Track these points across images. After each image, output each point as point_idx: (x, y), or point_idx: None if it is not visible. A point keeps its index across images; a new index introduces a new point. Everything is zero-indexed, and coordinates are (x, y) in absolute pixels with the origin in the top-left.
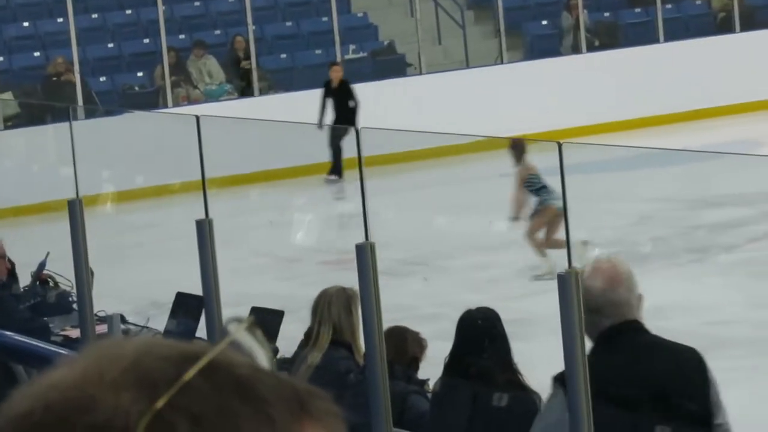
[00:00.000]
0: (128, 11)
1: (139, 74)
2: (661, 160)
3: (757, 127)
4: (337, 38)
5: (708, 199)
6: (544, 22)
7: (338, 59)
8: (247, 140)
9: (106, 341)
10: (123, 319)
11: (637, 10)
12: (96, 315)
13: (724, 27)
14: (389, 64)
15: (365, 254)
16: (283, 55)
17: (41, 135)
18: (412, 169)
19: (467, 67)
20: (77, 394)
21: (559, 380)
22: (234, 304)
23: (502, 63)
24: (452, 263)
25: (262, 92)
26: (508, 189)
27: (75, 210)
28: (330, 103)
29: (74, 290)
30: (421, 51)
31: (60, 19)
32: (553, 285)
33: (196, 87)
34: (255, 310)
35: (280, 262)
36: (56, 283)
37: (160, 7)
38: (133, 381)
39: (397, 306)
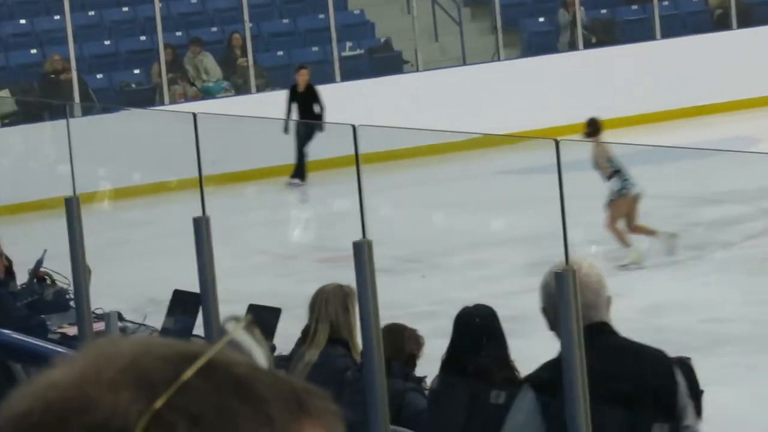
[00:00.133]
0: (125, 8)
1: (136, 71)
2: (658, 157)
3: (755, 124)
4: (333, 35)
5: (706, 196)
6: (541, 19)
7: (335, 56)
8: (243, 137)
9: (104, 340)
10: (120, 317)
11: (634, 6)
12: (93, 312)
13: (721, 24)
14: (386, 62)
15: (362, 252)
16: (280, 53)
17: (38, 132)
18: (409, 166)
19: (464, 64)
20: (76, 394)
21: (531, 381)
22: (231, 302)
23: (498, 60)
24: (449, 260)
25: (258, 89)
26: (505, 186)
27: (72, 207)
28: (295, 107)
29: (71, 288)
30: (417, 48)
31: (57, 17)
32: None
33: (192, 84)
34: (252, 308)
35: (277, 259)
36: (53, 281)
37: (157, 4)
38: (132, 380)
39: (395, 303)
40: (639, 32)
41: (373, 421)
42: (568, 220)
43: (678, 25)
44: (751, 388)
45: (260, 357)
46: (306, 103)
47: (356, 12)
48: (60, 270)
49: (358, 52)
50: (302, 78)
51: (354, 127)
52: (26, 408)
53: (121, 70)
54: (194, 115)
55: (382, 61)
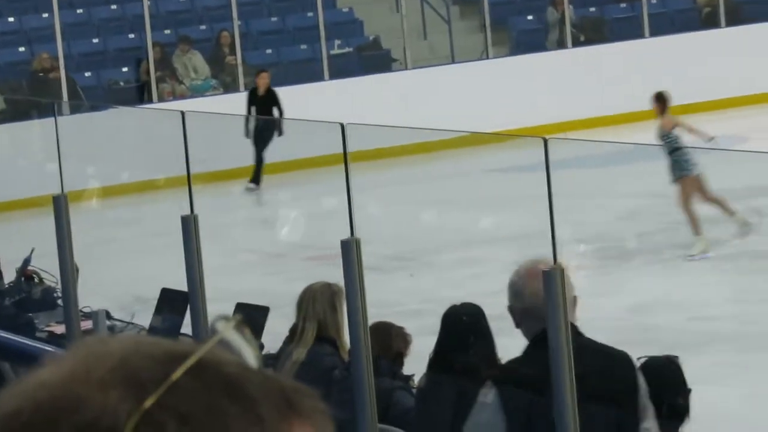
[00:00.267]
0: (113, 6)
1: (125, 69)
2: (646, 155)
3: (743, 122)
4: (322, 33)
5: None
6: (530, 17)
7: (324, 54)
8: (232, 136)
9: (93, 339)
10: (108, 315)
11: (623, 5)
12: (81, 311)
13: (710, 22)
14: (375, 60)
15: (350, 250)
16: (269, 51)
17: (26, 131)
18: (397, 164)
19: (453, 62)
20: (65, 393)
21: (496, 379)
22: (219, 300)
23: (487, 58)
24: (437, 259)
25: (247, 88)
26: (493, 185)
27: (60, 206)
28: (254, 111)
29: (59, 286)
30: (406, 46)
31: (45, 15)
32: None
33: (181, 82)
34: (240, 306)
35: (265, 257)
36: (41, 279)
37: (146, 3)
38: (121, 380)
39: (382, 302)
40: (627, 30)
41: (360, 420)
42: (557, 218)
43: (666, 23)
44: (739, 387)
45: (250, 356)
46: (265, 106)
47: (345, 10)
48: (48, 268)
49: (346, 50)
50: (263, 81)
51: (342, 126)
52: (15, 408)
53: (109, 68)
54: (182, 113)
55: (371, 59)
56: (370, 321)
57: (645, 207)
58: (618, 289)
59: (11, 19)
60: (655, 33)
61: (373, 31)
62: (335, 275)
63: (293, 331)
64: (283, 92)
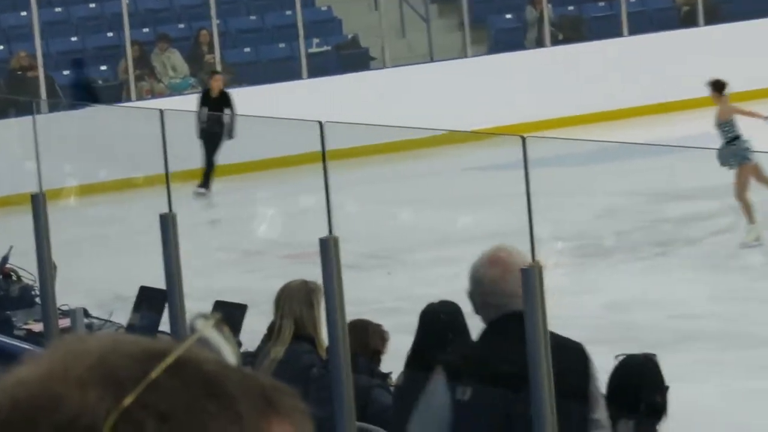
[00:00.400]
0: (92, 5)
1: (103, 68)
2: (625, 153)
3: None
4: (301, 32)
5: (672, 192)
6: (509, 16)
7: (302, 53)
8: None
9: (72, 337)
10: (86, 313)
11: (601, 3)
12: (59, 309)
13: (688, 21)
14: (353, 58)
15: (329, 248)
16: (247, 49)
17: (4, 129)
18: (375, 162)
19: (431, 60)
20: (43, 392)
21: (444, 365)
22: (197, 298)
23: (466, 57)
24: (415, 257)
25: (225, 86)
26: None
27: (38, 204)
28: (205, 112)
29: (37, 284)
30: (385, 45)
31: (23, 13)
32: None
33: (160, 81)
34: (218, 304)
35: (243, 255)
36: (19, 277)
37: (124, 1)
38: (99, 378)
39: (360, 300)
40: (606, 29)
41: (339, 418)
42: (535, 216)
43: (645, 22)
44: (717, 385)
45: (229, 354)
46: (218, 108)
47: (323, 8)
48: (26, 266)
49: (325, 48)
50: (216, 83)
51: (321, 124)
52: None
53: (88, 66)
54: (161, 111)
55: (349, 57)
56: (348, 319)
57: (623, 205)
58: (596, 287)
59: None
60: (633, 32)
61: (351, 30)
62: (313, 273)
63: (271, 329)
64: (261, 90)
